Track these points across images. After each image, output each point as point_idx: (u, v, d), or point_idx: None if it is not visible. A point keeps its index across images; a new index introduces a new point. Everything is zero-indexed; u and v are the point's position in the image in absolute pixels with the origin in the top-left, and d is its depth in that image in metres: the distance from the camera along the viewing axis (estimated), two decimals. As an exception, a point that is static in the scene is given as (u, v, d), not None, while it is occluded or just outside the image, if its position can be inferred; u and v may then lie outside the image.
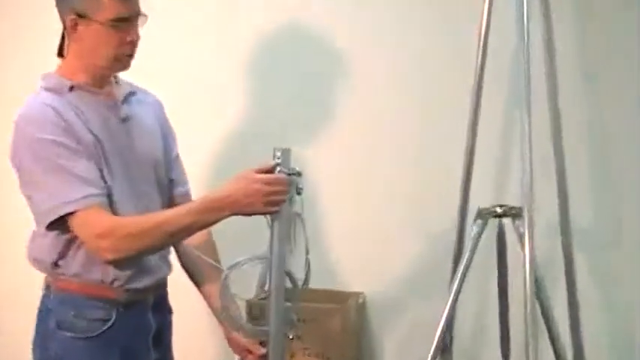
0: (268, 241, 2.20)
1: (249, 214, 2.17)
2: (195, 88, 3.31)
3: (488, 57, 2.60)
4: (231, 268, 2.16)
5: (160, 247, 2.30)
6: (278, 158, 2.16)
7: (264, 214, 2.17)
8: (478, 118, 2.62)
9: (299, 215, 2.20)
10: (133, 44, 2.26)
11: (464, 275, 2.53)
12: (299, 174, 2.18)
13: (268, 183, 2.13)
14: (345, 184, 3.20)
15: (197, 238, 2.39)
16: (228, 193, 2.14)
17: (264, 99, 3.27)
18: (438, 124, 3.07)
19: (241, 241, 2.52)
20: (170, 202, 2.43)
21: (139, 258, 2.26)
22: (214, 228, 2.29)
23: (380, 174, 3.17)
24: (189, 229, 2.20)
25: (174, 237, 2.25)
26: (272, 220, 2.18)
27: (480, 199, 2.69)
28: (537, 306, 2.43)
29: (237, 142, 3.27)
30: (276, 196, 2.14)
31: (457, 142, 2.72)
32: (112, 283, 2.27)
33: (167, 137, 2.48)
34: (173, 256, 2.50)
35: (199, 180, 2.81)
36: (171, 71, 3.29)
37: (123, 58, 2.28)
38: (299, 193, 2.19)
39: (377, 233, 3.18)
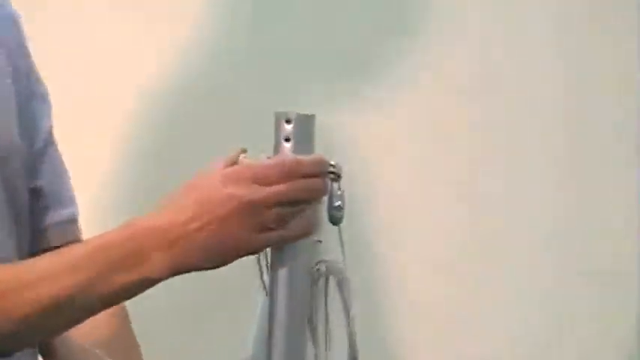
0: (261, 322, 1.47)
1: (211, 266, 1.39)
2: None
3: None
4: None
5: (11, 348, 1.61)
6: (286, 139, 1.38)
7: (250, 253, 1.38)
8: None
9: (340, 273, 1.41)
10: None
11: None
12: (337, 175, 1.38)
13: (266, 176, 1.41)
14: (425, 203, 2.59)
15: (98, 327, 1.72)
16: (163, 221, 1.42)
17: (253, 45, 2.59)
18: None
19: (208, 326, 2.30)
20: (36, 241, 1.72)
21: None
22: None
23: (491, 184, 2.60)
24: (77, 310, 1.52)
25: (45, 325, 1.54)
26: (272, 274, 1.40)
27: None
28: None
29: (190, 125, 2.58)
30: (284, 206, 1.39)
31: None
32: None
33: (28, 97, 1.77)
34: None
35: (110, 201, 2.33)
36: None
37: None
38: (334, 222, 1.37)
39: (488, 302, 2.54)
